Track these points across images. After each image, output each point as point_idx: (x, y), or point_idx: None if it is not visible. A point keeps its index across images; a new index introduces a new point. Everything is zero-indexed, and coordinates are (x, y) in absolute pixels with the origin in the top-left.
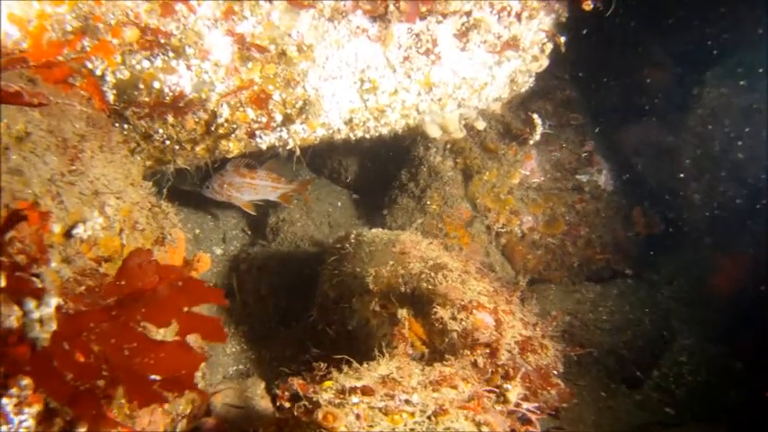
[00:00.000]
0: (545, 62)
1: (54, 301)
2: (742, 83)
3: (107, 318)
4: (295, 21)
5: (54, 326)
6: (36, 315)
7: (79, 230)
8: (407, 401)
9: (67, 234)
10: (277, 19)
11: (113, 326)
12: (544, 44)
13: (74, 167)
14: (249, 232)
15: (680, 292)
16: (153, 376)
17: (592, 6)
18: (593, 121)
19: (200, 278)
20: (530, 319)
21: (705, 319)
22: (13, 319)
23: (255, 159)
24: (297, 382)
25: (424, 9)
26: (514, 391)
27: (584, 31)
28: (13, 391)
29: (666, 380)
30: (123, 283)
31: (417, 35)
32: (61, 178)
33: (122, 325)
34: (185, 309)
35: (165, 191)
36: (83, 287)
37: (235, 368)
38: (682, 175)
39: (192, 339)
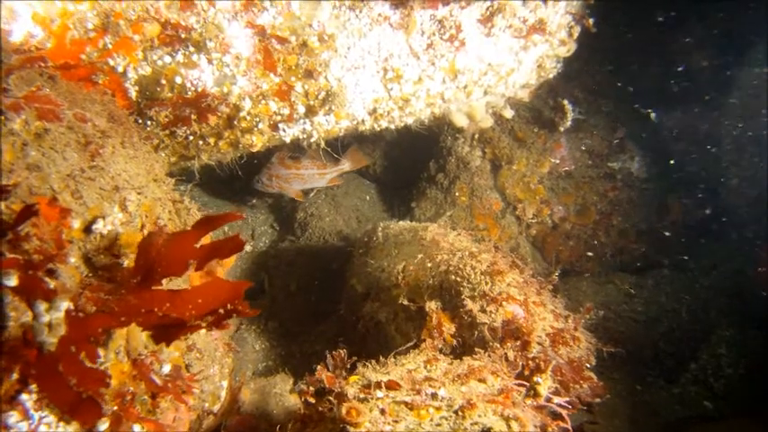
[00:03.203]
0: (573, 46)
1: (65, 305)
2: None
3: (116, 322)
4: (316, 10)
5: (63, 331)
6: (46, 319)
7: (99, 225)
8: (434, 396)
9: (87, 230)
10: (297, 9)
11: (139, 297)
12: (572, 27)
13: (94, 163)
14: (278, 228)
15: (719, 283)
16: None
17: None
18: (625, 107)
19: (225, 275)
20: (561, 310)
21: (745, 311)
22: (28, 316)
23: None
24: (325, 374)
25: None
26: (545, 384)
27: (615, 13)
28: (33, 386)
29: (705, 373)
30: (141, 262)
31: (440, 21)
32: (81, 174)
33: (147, 293)
34: (197, 245)
35: (189, 186)
36: (103, 280)
37: (264, 364)
38: (720, 160)
39: (219, 334)
